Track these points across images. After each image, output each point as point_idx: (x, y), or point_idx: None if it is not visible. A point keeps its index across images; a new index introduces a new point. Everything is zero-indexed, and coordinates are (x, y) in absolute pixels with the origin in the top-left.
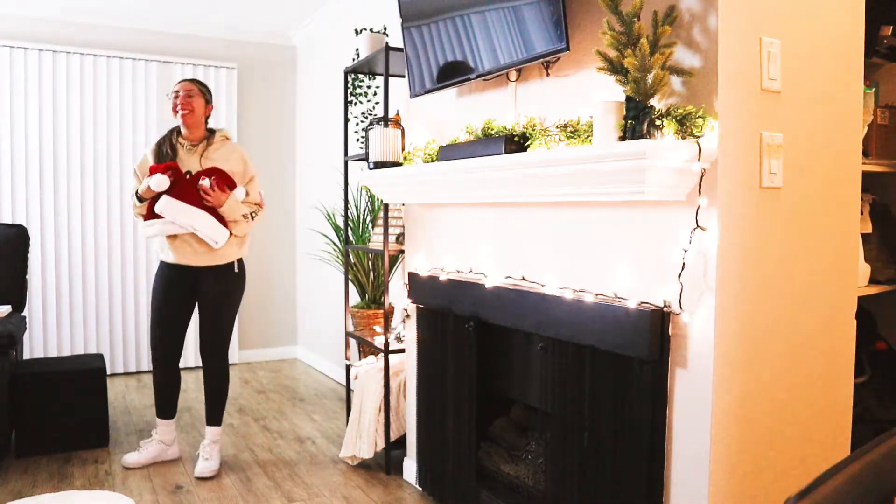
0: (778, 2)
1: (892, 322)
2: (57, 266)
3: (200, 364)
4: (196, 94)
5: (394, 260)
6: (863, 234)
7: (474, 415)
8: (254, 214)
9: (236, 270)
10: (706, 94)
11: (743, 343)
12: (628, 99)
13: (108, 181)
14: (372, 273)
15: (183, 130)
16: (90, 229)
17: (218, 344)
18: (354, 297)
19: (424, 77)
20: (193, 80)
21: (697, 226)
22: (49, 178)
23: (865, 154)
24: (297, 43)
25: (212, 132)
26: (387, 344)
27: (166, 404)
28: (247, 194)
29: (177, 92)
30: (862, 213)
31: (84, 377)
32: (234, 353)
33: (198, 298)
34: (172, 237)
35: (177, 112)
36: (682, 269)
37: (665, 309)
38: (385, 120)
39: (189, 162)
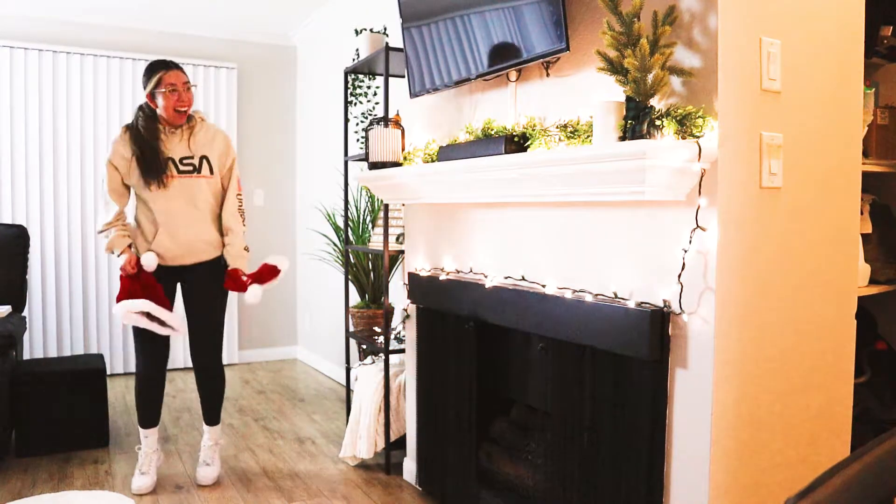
0: (778, 2)
1: (892, 322)
2: (57, 266)
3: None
4: (191, 86)
5: (394, 260)
6: (863, 234)
7: (474, 415)
8: (240, 208)
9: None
10: (706, 94)
11: (743, 343)
12: (628, 99)
13: None
14: (372, 273)
15: (166, 119)
16: (90, 229)
17: (216, 344)
18: (354, 297)
19: (424, 77)
20: (182, 69)
21: (697, 226)
22: (49, 178)
23: (865, 154)
24: (297, 43)
25: (190, 115)
26: (387, 344)
27: (155, 412)
28: (225, 187)
29: (173, 85)
30: (862, 213)
31: (84, 377)
32: (234, 353)
33: (185, 297)
34: (155, 231)
35: (174, 108)
36: (682, 269)
37: (665, 309)
38: (385, 120)
39: (175, 147)
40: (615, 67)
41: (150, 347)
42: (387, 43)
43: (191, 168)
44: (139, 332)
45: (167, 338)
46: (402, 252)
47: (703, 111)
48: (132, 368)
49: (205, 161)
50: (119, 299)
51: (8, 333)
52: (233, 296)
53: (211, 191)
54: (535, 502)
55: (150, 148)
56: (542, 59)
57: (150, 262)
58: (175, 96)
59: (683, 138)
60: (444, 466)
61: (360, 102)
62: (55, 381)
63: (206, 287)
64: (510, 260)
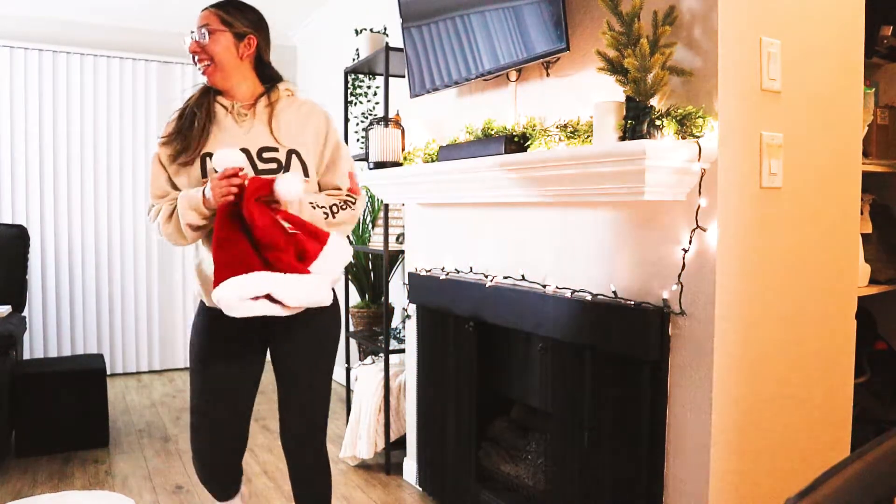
0: (778, 2)
1: (892, 322)
2: (57, 266)
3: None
4: (217, 30)
5: (394, 260)
6: (863, 234)
7: (474, 415)
8: (343, 205)
9: (331, 301)
10: (706, 94)
11: (743, 343)
12: (628, 99)
13: (108, 181)
14: (372, 273)
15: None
16: (90, 229)
17: (319, 425)
18: (354, 297)
19: (424, 77)
20: (217, 6)
21: (697, 226)
22: (49, 178)
23: (865, 154)
24: (297, 43)
25: (272, 84)
26: (387, 344)
27: (233, 485)
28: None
29: (192, 33)
30: (862, 213)
31: (84, 377)
32: None
33: (275, 358)
34: None
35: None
36: (682, 269)
37: (665, 309)
38: (385, 120)
39: (250, 134)
40: (615, 67)
41: (212, 450)
42: (387, 43)
43: (275, 165)
44: (196, 408)
45: (245, 425)
46: (402, 252)
47: (703, 111)
48: (132, 368)
49: (294, 157)
50: (221, 275)
51: (8, 333)
52: None
53: None
54: (535, 502)
55: (198, 139)
56: (542, 59)
57: (225, 159)
58: (192, 45)
59: (683, 138)
60: (444, 466)
61: (360, 102)
62: (55, 381)
63: (306, 344)
64: (510, 260)
